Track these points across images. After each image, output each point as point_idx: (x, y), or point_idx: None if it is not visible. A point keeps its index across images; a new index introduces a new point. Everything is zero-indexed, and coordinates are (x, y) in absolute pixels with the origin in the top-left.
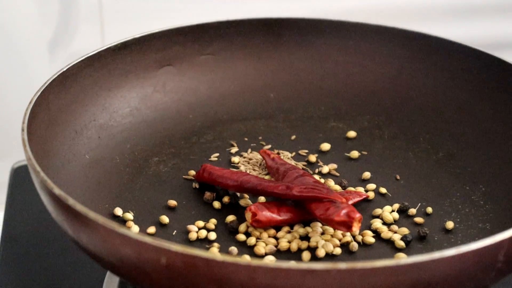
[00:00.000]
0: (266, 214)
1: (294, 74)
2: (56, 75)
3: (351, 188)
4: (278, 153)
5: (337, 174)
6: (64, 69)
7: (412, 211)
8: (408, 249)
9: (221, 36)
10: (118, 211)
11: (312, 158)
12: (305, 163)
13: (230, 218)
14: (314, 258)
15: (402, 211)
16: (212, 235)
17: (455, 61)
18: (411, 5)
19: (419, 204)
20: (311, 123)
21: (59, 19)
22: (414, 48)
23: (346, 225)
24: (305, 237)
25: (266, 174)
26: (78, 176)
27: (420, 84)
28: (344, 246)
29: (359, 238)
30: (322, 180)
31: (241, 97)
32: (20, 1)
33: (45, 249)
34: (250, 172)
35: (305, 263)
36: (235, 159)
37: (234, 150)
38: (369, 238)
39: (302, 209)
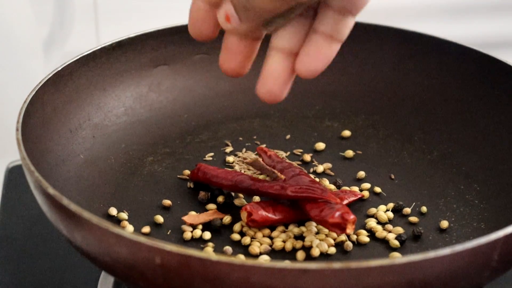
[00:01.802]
0: (262, 214)
1: None
2: (50, 75)
3: (346, 188)
4: None
5: (332, 173)
6: (59, 69)
7: (407, 210)
8: (402, 249)
9: None
10: (113, 211)
11: (307, 157)
12: (299, 163)
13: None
14: (309, 257)
15: (396, 211)
16: (207, 235)
17: (450, 61)
18: (406, 4)
19: (414, 203)
20: (306, 123)
21: (54, 18)
22: (409, 47)
23: (340, 227)
24: (300, 237)
25: (260, 174)
26: (73, 175)
27: (415, 83)
28: (339, 245)
29: (354, 237)
30: (317, 180)
31: (236, 96)
32: (15, 1)
33: (39, 249)
34: (244, 171)
35: (300, 263)
36: (230, 158)
37: (228, 149)
38: (364, 237)
39: (298, 208)
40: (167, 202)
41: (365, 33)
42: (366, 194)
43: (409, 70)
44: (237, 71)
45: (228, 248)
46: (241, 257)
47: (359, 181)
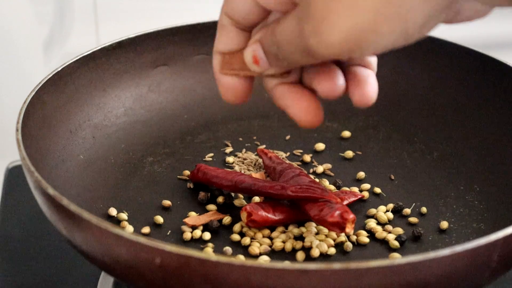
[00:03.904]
0: (262, 214)
1: None
2: (50, 75)
3: (346, 188)
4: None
5: (332, 174)
6: (59, 69)
7: (407, 211)
8: (402, 249)
9: None
10: (113, 211)
11: (307, 158)
12: (299, 163)
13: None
14: (309, 258)
15: (396, 211)
16: (207, 235)
17: (450, 61)
18: None
19: (414, 204)
20: None
21: (54, 19)
22: (409, 48)
23: (339, 226)
24: (300, 237)
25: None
26: (73, 176)
27: (415, 84)
28: (339, 246)
29: (354, 238)
30: (317, 180)
31: None
32: (15, 1)
33: (39, 249)
34: (244, 172)
35: (300, 263)
36: (230, 159)
37: (228, 150)
38: (364, 238)
39: (297, 209)
40: (167, 202)
41: None
42: (366, 194)
43: (409, 70)
44: (244, 99)
45: (228, 249)
46: (240, 258)
47: (359, 182)
